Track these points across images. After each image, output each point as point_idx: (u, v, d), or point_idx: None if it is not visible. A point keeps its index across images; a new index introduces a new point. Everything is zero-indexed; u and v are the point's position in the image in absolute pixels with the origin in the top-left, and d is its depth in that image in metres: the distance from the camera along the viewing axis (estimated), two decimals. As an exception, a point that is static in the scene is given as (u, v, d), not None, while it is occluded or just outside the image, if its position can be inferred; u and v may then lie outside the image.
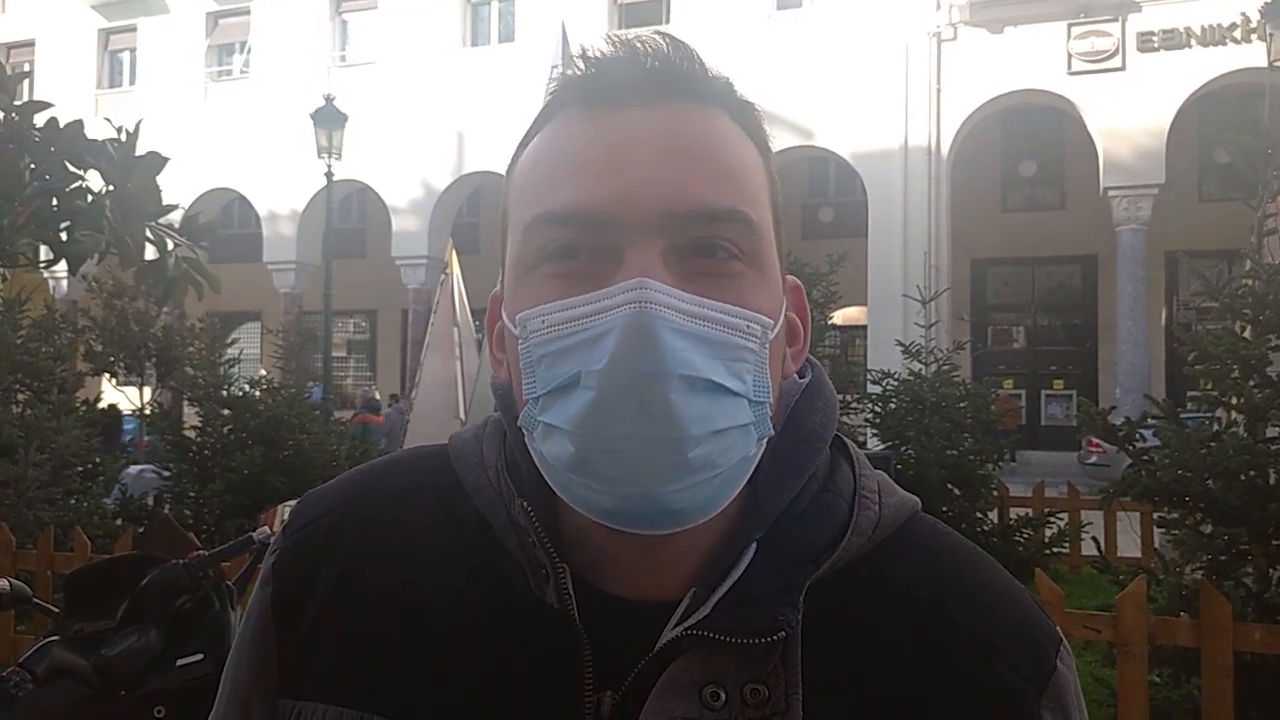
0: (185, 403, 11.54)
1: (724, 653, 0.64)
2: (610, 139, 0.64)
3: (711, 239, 0.63)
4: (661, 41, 0.67)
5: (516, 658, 0.66)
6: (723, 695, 0.63)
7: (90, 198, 4.06)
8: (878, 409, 8.64)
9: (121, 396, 14.57)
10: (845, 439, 0.76)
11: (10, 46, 26.10)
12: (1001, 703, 0.66)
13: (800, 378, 0.74)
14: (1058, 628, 0.72)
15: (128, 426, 14.71)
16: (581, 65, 0.67)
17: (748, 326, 0.63)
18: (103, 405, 11.30)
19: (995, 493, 8.39)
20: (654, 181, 0.63)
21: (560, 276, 0.63)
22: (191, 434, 8.78)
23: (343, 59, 23.24)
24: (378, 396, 19.56)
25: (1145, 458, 4.45)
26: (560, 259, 0.64)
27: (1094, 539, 6.17)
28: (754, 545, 0.66)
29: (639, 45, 0.66)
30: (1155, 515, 5.21)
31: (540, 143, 0.69)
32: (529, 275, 0.65)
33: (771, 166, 0.71)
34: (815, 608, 0.65)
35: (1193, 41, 16.86)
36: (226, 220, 24.47)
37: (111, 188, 4.10)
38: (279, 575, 0.75)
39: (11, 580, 2.98)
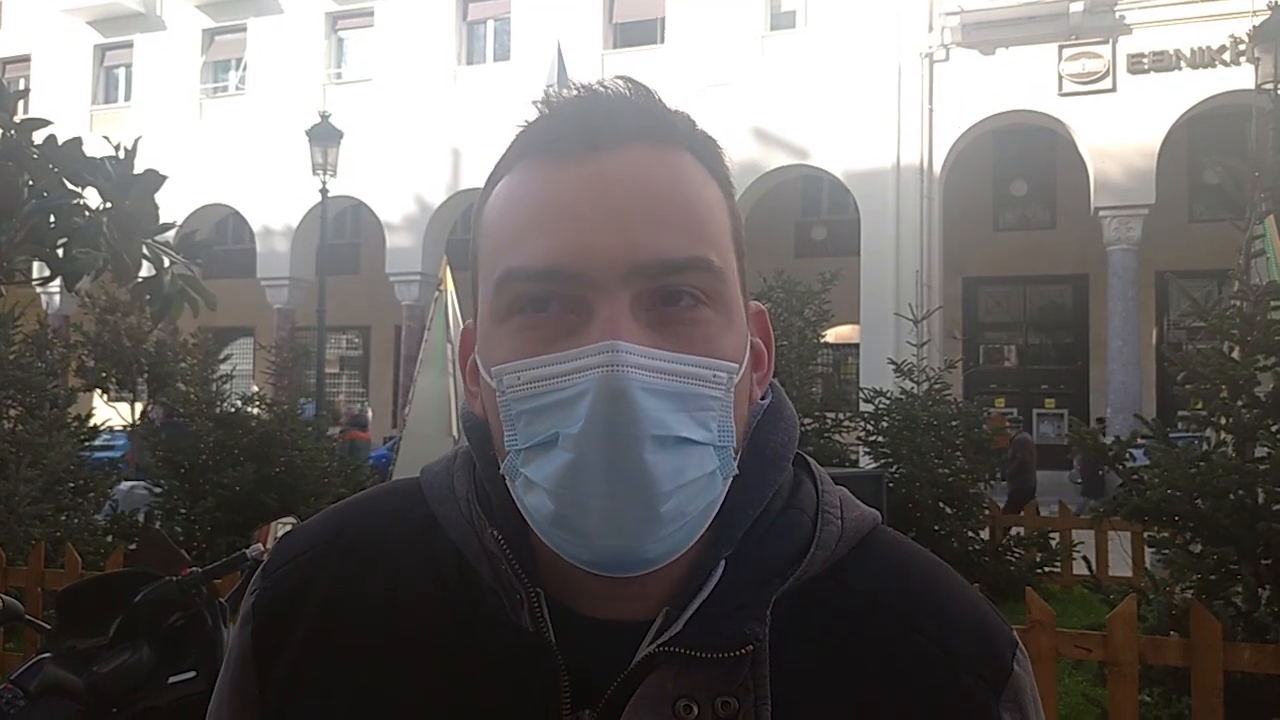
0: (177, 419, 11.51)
1: (696, 667, 0.66)
2: (572, 190, 0.65)
3: (676, 287, 0.65)
4: (622, 85, 0.68)
5: (495, 682, 0.68)
6: (695, 708, 0.65)
7: (88, 215, 4.07)
8: (870, 427, 8.65)
9: (113, 412, 14.53)
10: (807, 457, 0.78)
11: (5, 62, 26.11)
12: (963, 704, 0.69)
13: (761, 399, 0.75)
14: (1014, 631, 0.75)
15: (119, 443, 14.67)
16: (547, 109, 0.69)
17: (714, 376, 0.65)
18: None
19: (987, 511, 8.40)
20: (617, 232, 0.64)
21: (531, 329, 0.65)
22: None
23: (338, 76, 23.30)
24: (370, 414, 19.54)
25: (1135, 477, 4.47)
26: (530, 311, 0.65)
27: (1085, 558, 6.18)
28: (722, 563, 0.69)
29: (600, 89, 0.68)
30: (1146, 535, 5.23)
31: (505, 191, 0.70)
32: (501, 326, 0.67)
33: (734, 202, 0.72)
34: (783, 620, 0.68)
35: (1182, 63, 17.00)
36: (220, 236, 24.46)
37: (109, 205, 4.10)
38: (259, 614, 0.76)
39: (3, 597, 2.98)
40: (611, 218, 0.64)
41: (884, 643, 0.70)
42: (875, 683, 0.69)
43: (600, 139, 0.66)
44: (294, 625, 0.74)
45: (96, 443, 8.69)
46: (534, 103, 0.70)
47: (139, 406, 13.86)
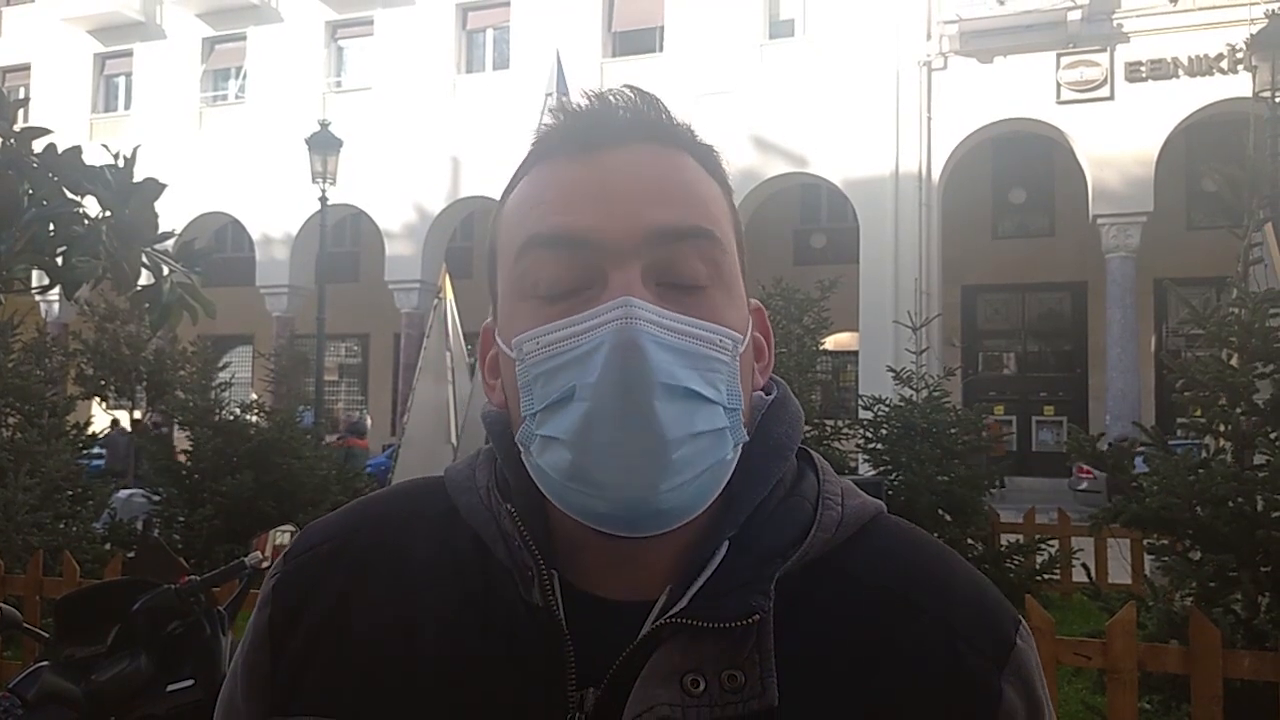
0: (176, 426, 11.50)
1: (702, 640, 0.68)
2: (589, 175, 0.71)
3: (685, 259, 0.69)
4: (630, 93, 0.74)
5: (503, 660, 0.69)
6: (702, 682, 0.67)
7: (87, 223, 4.07)
8: (869, 435, 8.64)
9: (120, 419, 14.51)
10: (810, 450, 0.81)
11: (6, 70, 26.15)
12: (964, 679, 0.70)
13: (767, 395, 0.79)
14: (1020, 616, 0.76)
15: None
16: (561, 116, 0.74)
17: (720, 340, 0.69)
18: (101, 425, 11.20)
19: (986, 519, 8.39)
20: (628, 208, 0.69)
21: (551, 301, 0.69)
22: (182, 458, 8.76)
23: (338, 84, 23.33)
24: (368, 422, 19.54)
25: (1134, 484, 4.47)
26: (550, 286, 0.69)
27: (1084, 565, 6.17)
28: (726, 544, 0.71)
29: (611, 98, 0.73)
30: (1145, 542, 5.23)
31: (524, 186, 0.75)
32: (522, 302, 0.71)
33: (734, 204, 0.77)
34: (786, 599, 0.70)
35: (1180, 72, 17.03)
36: (220, 244, 24.46)
37: (109, 213, 4.11)
38: (278, 599, 0.79)
39: (1, 605, 2.98)
40: (622, 196, 0.70)
41: (886, 622, 0.72)
42: (878, 660, 0.70)
43: (609, 138, 0.72)
44: (310, 611, 0.77)
45: (94, 450, 8.66)
46: (550, 110, 0.77)
47: (138, 414, 13.84)
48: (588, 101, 0.74)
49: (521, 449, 0.70)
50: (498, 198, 0.79)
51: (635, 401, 0.63)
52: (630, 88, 0.74)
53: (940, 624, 0.72)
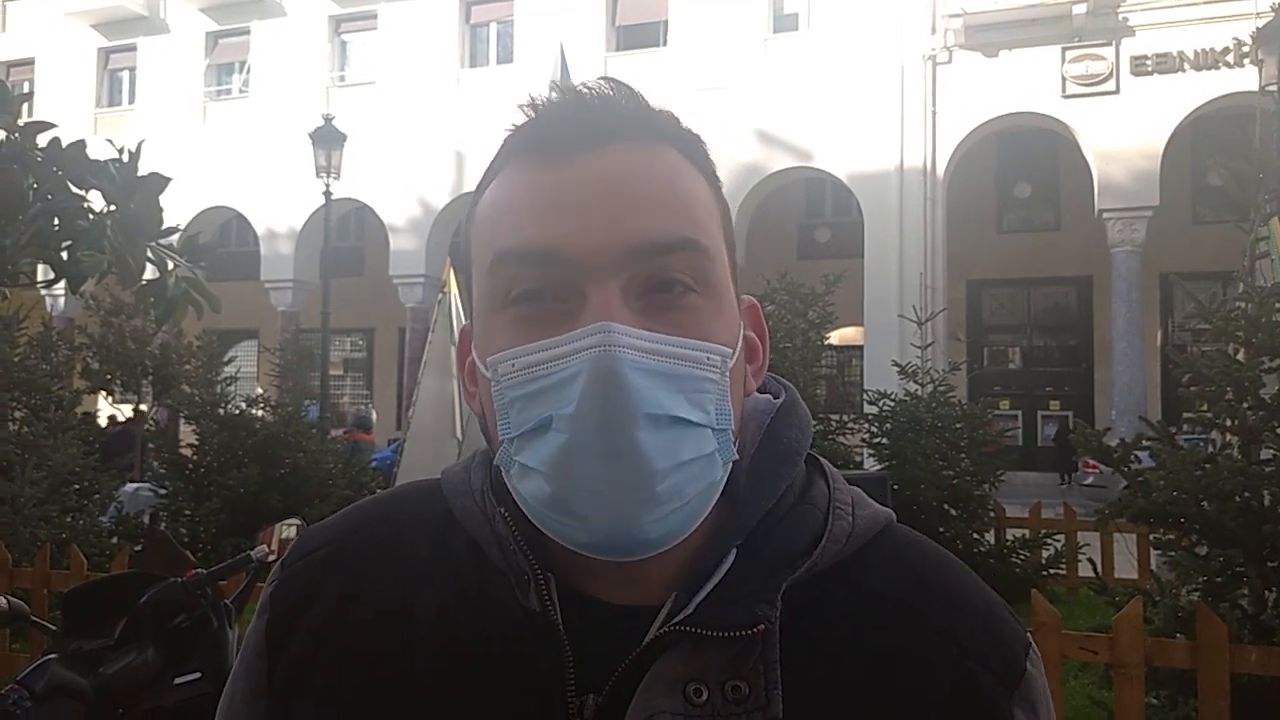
0: (182, 421, 11.53)
1: (706, 649, 0.66)
2: (562, 183, 0.67)
3: (667, 272, 0.66)
4: (605, 86, 0.70)
5: (501, 666, 0.68)
6: (705, 692, 0.65)
7: (92, 218, 4.07)
8: (874, 429, 8.64)
9: (118, 414, 14.53)
10: (819, 457, 0.79)
11: (10, 65, 26.16)
12: (974, 700, 0.69)
13: (775, 398, 0.77)
14: (1028, 634, 0.75)
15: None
16: (531, 113, 0.70)
17: (708, 358, 0.66)
18: (103, 421, 11.22)
19: (992, 513, 8.38)
20: (608, 220, 0.65)
21: (526, 319, 0.66)
22: (188, 452, 8.78)
23: (342, 79, 23.33)
24: (374, 416, 19.51)
25: (1140, 479, 4.46)
26: (525, 301, 0.66)
27: (1090, 560, 6.17)
28: (734, 551, 0.69)
29: (584, 91, 0.69)
30: (1151, 537, 5.23)
31: (496, 190, 0.71)
32: (496, 317, 0.68)
33: (721, 195, 0.74)
34: (793, 610, 0.68)
35: (1186, 65, 16.98)
36: (224, 238, 24.51)
37: (113, 208, 4.11)
38: (276, 605, 0.77)
39: (9, 598, 2.98)
40: (600, 207, 0.66)
41: (895, 637, 0.70)
42: (886, 676, 0.68)
43: (587, 137, 0.68)
44: (308, 617, 0.75)
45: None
46: (521, 106, 0.71)
47: (144, 408, 13.86)
48: (560, 96, 0.69)
49: (502, 470, 0.68)
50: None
51: (616, 435, 0.61)
52: (609, 80, 0.70)
53: (950, 640, 0.70)
